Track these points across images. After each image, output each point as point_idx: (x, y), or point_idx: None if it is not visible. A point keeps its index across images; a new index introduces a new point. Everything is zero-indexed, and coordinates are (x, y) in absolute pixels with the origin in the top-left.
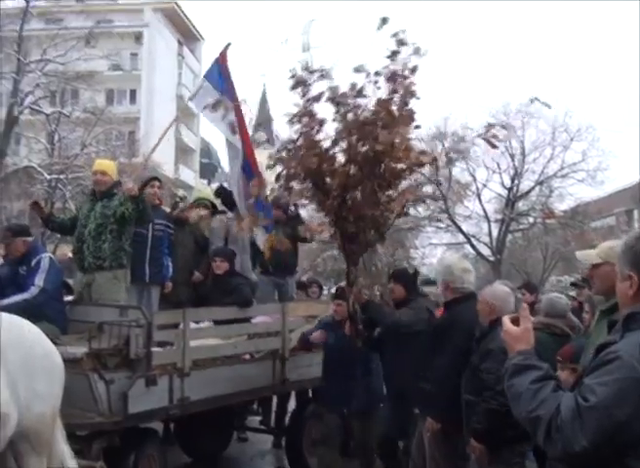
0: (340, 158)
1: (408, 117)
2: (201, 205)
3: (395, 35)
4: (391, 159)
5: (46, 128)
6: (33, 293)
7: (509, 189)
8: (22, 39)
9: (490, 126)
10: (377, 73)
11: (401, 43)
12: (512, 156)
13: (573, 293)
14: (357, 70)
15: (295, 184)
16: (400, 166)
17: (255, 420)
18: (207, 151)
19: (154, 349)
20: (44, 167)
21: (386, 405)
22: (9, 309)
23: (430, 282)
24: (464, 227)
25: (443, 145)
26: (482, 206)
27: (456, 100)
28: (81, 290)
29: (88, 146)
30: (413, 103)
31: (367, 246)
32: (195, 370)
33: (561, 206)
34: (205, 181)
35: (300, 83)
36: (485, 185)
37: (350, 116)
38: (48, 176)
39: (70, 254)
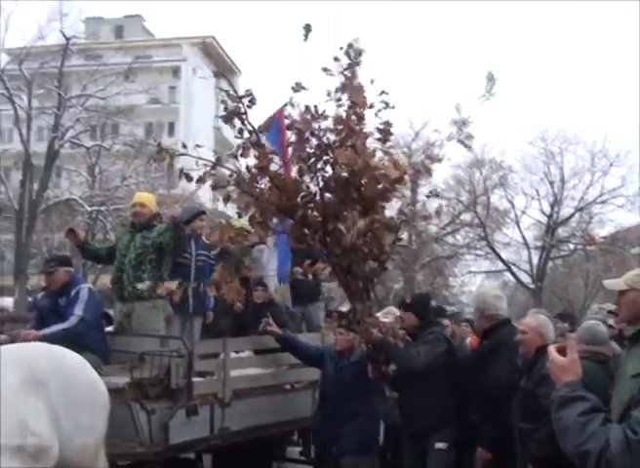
0: (312, 187)
1: (385, 131)
2: (240, 235)
3: (349, 46)
4: (367, 179)
5: (87, 161)
6: (72, 323)
7: (549, 216)
8: (63, 75)
9: (462, 124)
10: (336, 90)
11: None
12: (551, 183)
13: (611, 321)
14: (295, 90)
15: (271, 223)
16: (379, 186)
17: (295, 451)
18: None
19: (195, 379)
20: (85, 199)
21: (405, 444)
22: (48, 339)
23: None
24: (504, 255)
25: (481, 173)
26: (521, 233)
27: (493, 127)
28: (121, 319)
29: (128, 178)
30: (384, 114)
31: (368, 278)
32: (236, 399)
33: (601, 232)
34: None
35: (233, 114)
36: (524, 212)
37: (314, 141)
38: (89, 208)
39: (110, 285)
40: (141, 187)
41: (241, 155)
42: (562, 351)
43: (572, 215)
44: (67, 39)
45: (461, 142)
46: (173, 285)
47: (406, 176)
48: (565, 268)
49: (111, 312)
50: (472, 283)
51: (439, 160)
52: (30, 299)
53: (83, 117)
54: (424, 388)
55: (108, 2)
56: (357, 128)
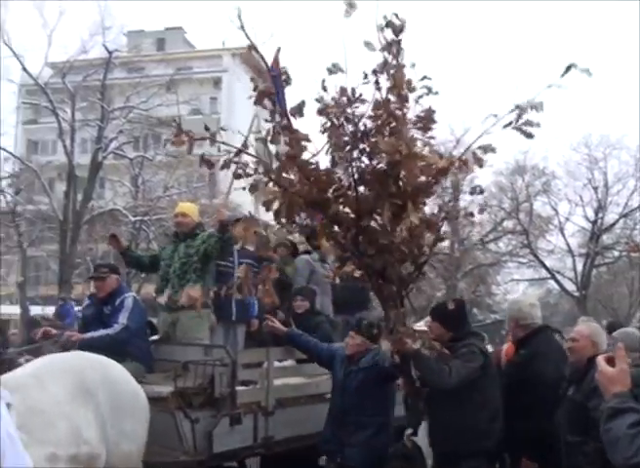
0: (345, 179)
1: (427, 118)
2: (282, 245)
3: (387, 24)
4: (406, 172)
5: (130, 171)
6: (116, 330)
7: (593, 222)
8: (106, 88)
9: (521, 110)
10: (374, 71)
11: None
12: (595, 188)
13: None
14: (331, 71)
15: (299, 218)
16: (419, 179)
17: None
18: None
19: (239, 388)
20: (128, 209)
21: (435, 464)
22: (92, 343)
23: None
24: (548, 262)
25: (523, 179)
26: (565, 240)
27: (535, 133)
28: (166, 328)
29: (170, 189)
30: (428, 101)
31: (403, 283)
32: (279, 408)
33: None
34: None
35: (264, 94)
36: (568, 219)
37: (349, 127)
38: (132, 218)
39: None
40: (184, 197)
41: (270, 141)
42: (611, 362)
43: (616, 222)
44: (110, 52)
45: (520, 130)
46: (196, 292)
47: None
48: (610, 275)
49: (155, 321)
50: (515, 291)
51: (493, 149)
52: (61, 304)
53: (126, 128)
54: (456, 405)
55: (150, 15)
56: (399, 113)
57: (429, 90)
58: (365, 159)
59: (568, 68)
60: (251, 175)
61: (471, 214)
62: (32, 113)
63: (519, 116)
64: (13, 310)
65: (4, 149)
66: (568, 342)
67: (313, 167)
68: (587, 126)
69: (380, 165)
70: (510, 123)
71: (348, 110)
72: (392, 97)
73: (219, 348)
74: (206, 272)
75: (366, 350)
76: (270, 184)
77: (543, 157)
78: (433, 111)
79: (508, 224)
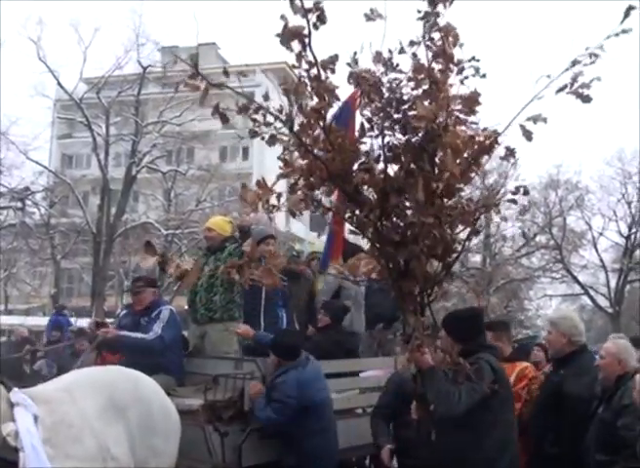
0: (374, 153)
1: (472, 99)
2: (315, 258)
3: None
4: (444, 147)
5: (163, 185)
6: (151, 337)
7: (627, 237)
8: (140, 103)
9: (576, 73)
10: (412, 43)
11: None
12: (629, 203)
13: None
14: (369, 18)
15: (318, 194)
16: (458, 160)
17: None
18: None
19: None
20: (161, 222)
21: None
22: (126, 341)
23: None
24: (581, 277)
25: (556, 193)
26: (599, 255)
27: (568, 148)
28: (195, 341)
29: (202, 202)
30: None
31: (427, 282)
32: None
33: None
34: (315, 234)
35: (293, 34)
36: (601, 234)
37: (384, 93)
38: (165, 231)
39: (187, 306)
40: (216, 211)
41: (295, 91)
42: None
43: None
44: (144, 68)
45: (577, 94)
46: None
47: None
48: None
49: (186, 333)
50: (548, 306)
51: (544, 119)
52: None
53: (159, 143)
54: (460, 428)
55: (184, 31)
56: (442, 82)
57: (477, 70)
58: (398, 131)
59: (627, 12)
60: (270, 125)
61: (514, 201)
62: (67, 128)
63: (574, 79)
64: (46, 321)
65: (39, 163)
66: (597, 360)
67: (340, 133)
68: (621, 140)
69: (416, 138)
70: (565, 86)
71: (384, 79)
72: (436, 66)
73: (249, 362)
74: (233, 285)
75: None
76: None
77: (577, 171)
78: (479, 94)
79: (541, 239)
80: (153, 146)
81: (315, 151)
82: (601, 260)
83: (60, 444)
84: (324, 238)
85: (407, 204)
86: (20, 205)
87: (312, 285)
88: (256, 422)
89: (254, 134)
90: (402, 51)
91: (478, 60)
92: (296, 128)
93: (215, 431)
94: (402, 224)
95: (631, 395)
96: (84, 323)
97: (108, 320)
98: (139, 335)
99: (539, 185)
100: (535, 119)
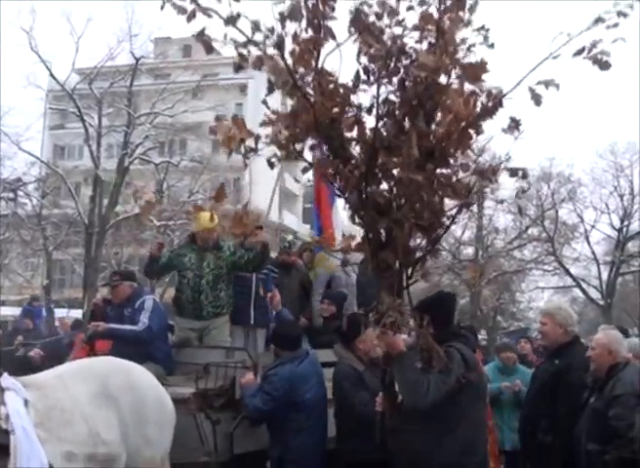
0: (366, 103)
1: (478, 67)
2: (308, 249)
3: None
4: (444, 105)
5: (155, 177)
6: (140, 328)
7: (619, 230)
8: (132, 94)
9: (595, 41)
10: (422, 2)
11: None
12: (621, 196)
13: None
14: None
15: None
16: (457, 119)
17: None
18: (310, 196)
19: None
20: (153, 214)
21: None
22: (117, 333)
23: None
24: (573, 270)
25: (549, 186)
26: (591, 248)
27: (561, 141)
28: (187, 335)
29: (195, 194)
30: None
31: (408, 257)
32: None
33: None
34: (308, 226)
35: None
36: (593, 227)
37: (385, 39)
38: (157, 223)
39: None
40: (208, 203)
41: (289, 16)
42: None
43: None
44: (137, 59)
45: (595, 60)
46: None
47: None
48: (635, 284)
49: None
50: (540, 299)
51: (556, 85)
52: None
53: (152, 134)
54: (422, 422)
55: (177, 22)
56: (450, 34)
57: (485, 38)
58: (396, 84)
59: None
60: (258, 45)
61: (514, 173)
62: (59, 118)
63: (594, 45)
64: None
65: (31, 154)
66: (589, 351)
67: (332, 78)
68: (614, 133)
69: (413, 92)
70: (582, 50)
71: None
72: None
73: (240, 351)
74: (231, 280)
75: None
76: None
77: (569, 164)
78: (485, 62)
79: (533, 232)
80: (146, 138)
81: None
82: (593, 253)
83: (52, 427)
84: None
85: (395, 162)
86: (11, 196)
87: (304, 276)
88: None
89: (239, 67)
90: (411, 8)
91: (488, 30)
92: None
93: (206, 419)
94: (388, 186)
95: (623, 385)
96: (78, 314)
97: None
98: (128, 327)
99: (531, 178)
100: (547, 83)
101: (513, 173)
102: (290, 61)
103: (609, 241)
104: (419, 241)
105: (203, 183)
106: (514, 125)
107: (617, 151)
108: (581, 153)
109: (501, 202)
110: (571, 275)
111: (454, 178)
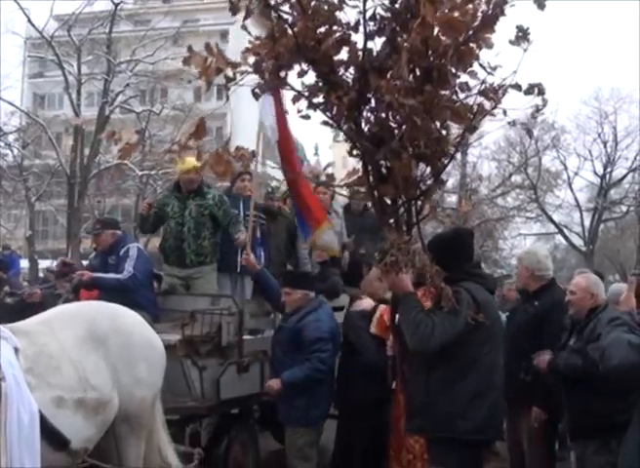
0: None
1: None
2: (290, 197)
3: None
4: (440, 16)
5: (136, 126)
6: (125, 276)
7: (602, 177)
8: (112, 41)
9: None
10: None
11: None
12: (605, 143)
13: None
14: None
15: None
16: (457, 32)
17: None
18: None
19: (246, 337)
20: (135, 163)
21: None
22: (102, 282)
23: None
24: (555, 217)
25: (527, 133)
26: (574, 195)
27: (545, 87)
28: (174, 282)
29: (177, 143)
30: None
31: (410, 189)
32: None
33: None
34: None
35: None
36: (576, 174)
37: None
38: (139, 172)
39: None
40: (190, 152)
41: None
42: None
43: (624, 176)
44: (116, 5)
45: None
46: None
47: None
48: (617, 230)
49: (163, 273)
50: (522, 246)
51: None
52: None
53: (132, 82)
54: (432, 367)
55: None
56: None
57: None
58: None
59: None
60: None
61: (519, 88)
62: (38, 67)
63: None
64: (22, 264)
65: (10, 103)
66: (568, 295)
67: None
68: (598, 80)
69: (406, 4)
70: None
71: None
72: None
73: (226, 298)
74: (217, 228)
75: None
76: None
77: (553, 111)
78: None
79: (517, 179)
80: (126, 86)
81: (284, 15)
82: (576, 200)
83: (41, 373)
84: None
85: (387, 86)
86: None
87: (291, 223)
88: (233, 356)
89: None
90: None
91: None
92: None
93: (193, 365)
94: (383, 114)
95: (603, 326)
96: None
97: (84, 262)
98: (113, 276)
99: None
100: None
101: (528, 90)
102: None
103: (592, 188)
104: (421, 173)
105: (185, 132)
106: (522, 35)
107: (601, 98)
108: (566, 100)
109: (513, 124)
110: (553, 222)
111: (456, 101)
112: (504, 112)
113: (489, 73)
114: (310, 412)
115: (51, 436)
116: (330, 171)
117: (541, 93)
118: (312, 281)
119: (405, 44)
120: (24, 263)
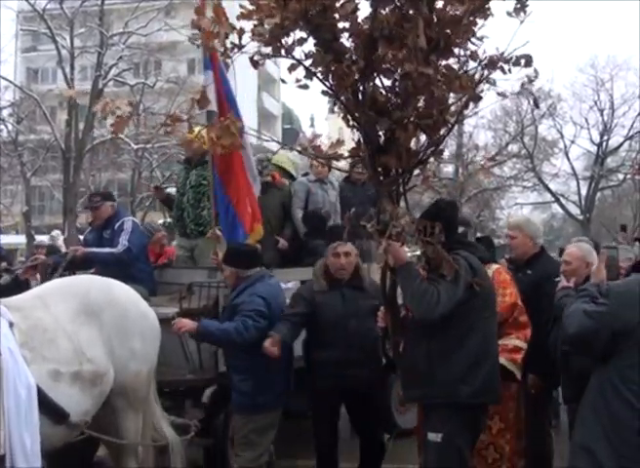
0: None
1: None
2: (279, 168)
3: None
4: None
5: (130, 99)
6: (119, 250)
7: (598, 145)
8: (104, 13)
9: None
10: None
11: None
12: (601, 111)
13: None
14: None
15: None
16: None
17: None
18: (289, 117)
19: None
20: (130, 137)
21: None
22: (96, 257)
23: None
24: (552, 186)
25: (528, 102)
26: (570, 163)
27: (541, 55)
28: (182, 254)
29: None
30: None
31: (409, 160)
32: None
33: None
34: (287, 148)
35: None
36: (573, 142)
37: None
38: (134, 146)
39: (160, 221)
40: (185, 124)
41: None
42: None
43: (621, 144)
44: None
45: None
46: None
47: None
48: (614, 199)
49: (173, 244)
50: (519, 215)
51: None
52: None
53: (126, 55)
54: (428, 336)
55: None
56: None
57: None
58: None
59: None
60: None
61: (517, 62)
62: (31, 40)
63: None
64: (18, 240)
65: (4, 78)
66: (562, 266)
67: None
68: (594, 47)
69: None
70: None
71: None
72: None
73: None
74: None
75: (241, 281)
76: None
77: (549, 79)
78: None
79: (513, 148)
80: (120, 59)
81: None
82: (572, 168)
83: (36, 347)
84: (294, 153)
85: (396, 55)
86: None
87: (286, 197)
88: None
89: None
90: None
91: None
92: None
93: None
94: (390, 83)
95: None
96: (60, 240)
97: (80, 237)
98: (107, 250)
99: (510, 95)
100: None
101: (516, 61)
102: None
103: (588, 156)
104: (421, 142)
105: (180, 104)
106: (520, 6)
107: (597, 65)
108: (562, 68)
109: (504, 96)
110: (550, 191)
111: (461, 71)
112: (494, 82)
113: (479, 40)
114: (256, 399)
115: (49, 409)
116: (318, 143)
117: (529, 64)
118: (247, 257)
119: (417, 12)
120: (21, 239)
